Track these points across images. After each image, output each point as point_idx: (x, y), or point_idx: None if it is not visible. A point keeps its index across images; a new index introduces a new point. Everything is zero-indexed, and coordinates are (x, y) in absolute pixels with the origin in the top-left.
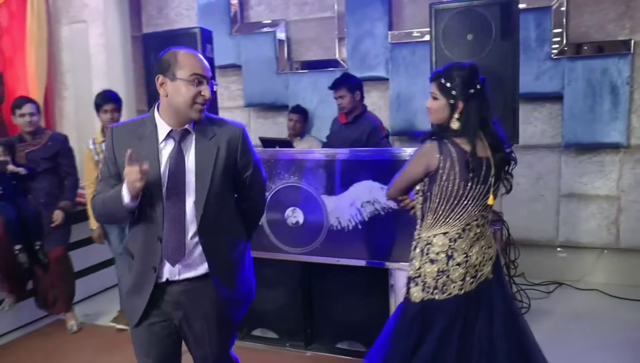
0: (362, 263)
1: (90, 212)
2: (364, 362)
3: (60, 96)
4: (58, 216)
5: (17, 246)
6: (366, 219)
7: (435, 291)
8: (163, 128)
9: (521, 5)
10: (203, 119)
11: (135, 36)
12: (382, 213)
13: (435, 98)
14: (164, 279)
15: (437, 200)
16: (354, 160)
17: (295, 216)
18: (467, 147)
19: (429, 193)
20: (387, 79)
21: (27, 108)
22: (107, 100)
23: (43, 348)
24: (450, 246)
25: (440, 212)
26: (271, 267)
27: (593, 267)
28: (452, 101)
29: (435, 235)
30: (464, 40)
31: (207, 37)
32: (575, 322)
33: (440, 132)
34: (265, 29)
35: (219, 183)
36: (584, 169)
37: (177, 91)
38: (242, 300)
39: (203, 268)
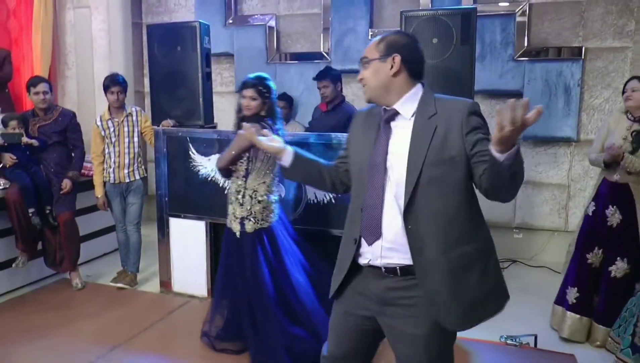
0: (333, 231)
1: (95, 181)
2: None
3: (63, 75)
4: (66, 184)
5: (31, 210)
6: (339, 195)
7: (262, 222)
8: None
9: (488, 12)
10: (431, 99)
11: (136, 23)
12: None
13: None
14: (365, 260)
15: (266, 161)
16: (330, 143)
17: (278, 190)
18: None
19: (254, 158)
20: None
21: (42, 87)
22: (114, 83)
23: (52, 302)
24: (269, 190)
25: (265, 168)
26: None
27: (544, 247)
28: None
29: (259, 184)
30: (430, 44)
31: (205, 30)
32: (523, 294)
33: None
34: (257, 22)
35: (436, 165)
36: (539, 159)
37: None
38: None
39: (408, 259)
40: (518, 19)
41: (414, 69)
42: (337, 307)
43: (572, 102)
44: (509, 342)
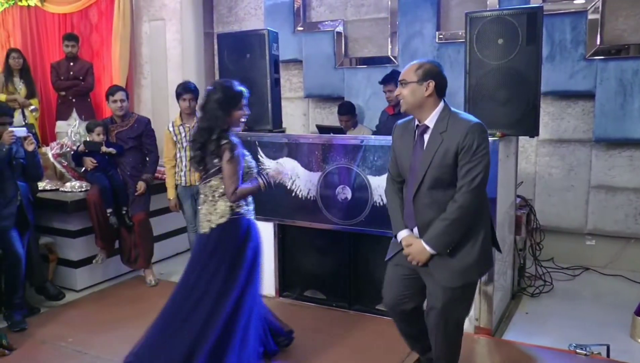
0: None
1: (168, 184)
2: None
3: (139, 84)
4: (141, 186)
5: (109, 210)
6: None
7: None
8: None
9: (558, 10)
10: (446, 116)
11: (208, 32)
12: None
13: None
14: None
15: None
16: None
17: (344, 192)
18: None
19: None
20: None
21: (119, 95)
22: (187, 90)
23: (128, 297)
24: None
25: None
26: (322, 237)
27: (619, 255)
28: None
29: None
30: (495, 45)
31: (273, 37)
32: (596, 302)
33: None
34: (325, 28)
35: (438, 168)
36: (613, 162)
37: None
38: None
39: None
40: (590, 16)
41: (442, 91)
42: (389, 264)
43: None
44: (578, 350)
